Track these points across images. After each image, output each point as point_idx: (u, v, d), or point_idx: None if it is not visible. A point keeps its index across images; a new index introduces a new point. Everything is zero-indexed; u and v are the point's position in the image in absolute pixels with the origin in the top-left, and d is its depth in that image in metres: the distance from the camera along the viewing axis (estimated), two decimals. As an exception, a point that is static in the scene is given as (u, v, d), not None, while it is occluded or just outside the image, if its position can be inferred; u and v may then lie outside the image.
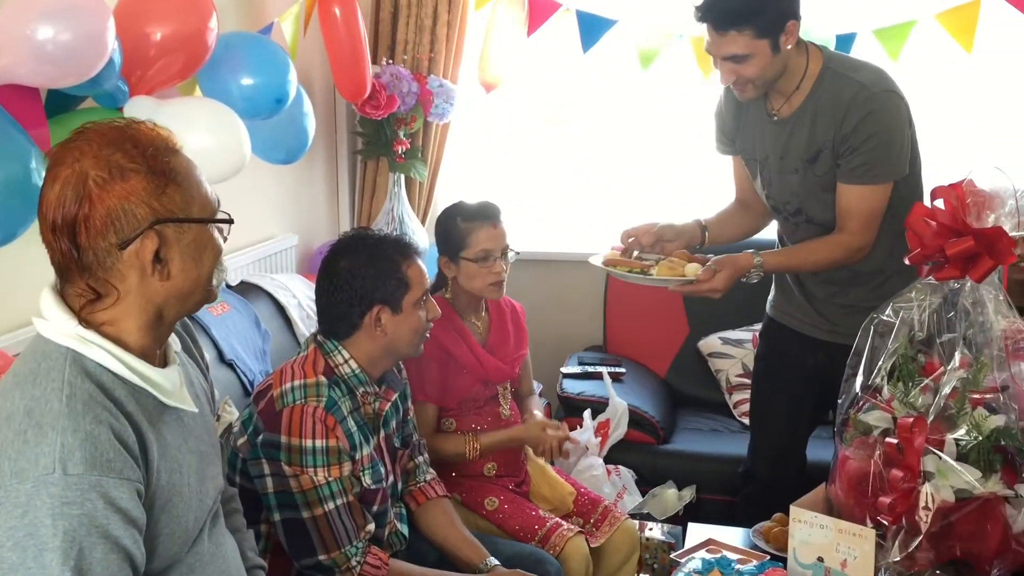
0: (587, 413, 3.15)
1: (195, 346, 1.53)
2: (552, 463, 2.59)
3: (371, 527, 1.96)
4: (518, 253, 2.53)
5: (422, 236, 3.69)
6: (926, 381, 1.88)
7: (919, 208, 1.92)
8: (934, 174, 2.36)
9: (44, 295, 1.27)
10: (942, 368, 1.87)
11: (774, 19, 2.19)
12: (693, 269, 2.24)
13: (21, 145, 1.75)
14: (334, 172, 4.02)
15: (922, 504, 1.78)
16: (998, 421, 1.83)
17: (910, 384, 1.91)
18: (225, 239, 1.35)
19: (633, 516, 2.64)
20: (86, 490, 1.13)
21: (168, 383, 1.29)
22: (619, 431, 3.14)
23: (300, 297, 2.96)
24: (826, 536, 1.87)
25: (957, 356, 1.85)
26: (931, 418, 1.82)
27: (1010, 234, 1.80)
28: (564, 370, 3.54)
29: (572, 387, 3.38)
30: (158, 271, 1.26)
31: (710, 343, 3.69)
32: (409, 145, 3.72)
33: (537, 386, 2.94)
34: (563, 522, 2.36)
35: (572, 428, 3.16)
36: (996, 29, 3.39)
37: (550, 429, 2.46)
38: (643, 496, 3.06)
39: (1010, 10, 3.21)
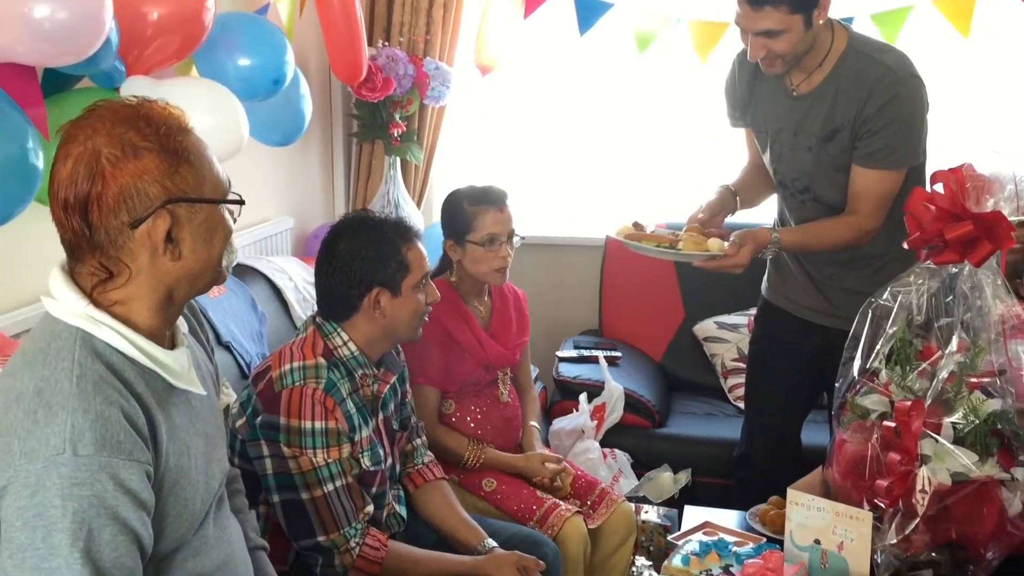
0: (583, 397, 3.16)
1: (201, 328, 1.52)
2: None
3: (370, 509, 1.96)
4: (523, 238, 2.53)
5: (417, 219, 3.68)
6: (923, 365, 1.89)
7: (918, 192, 1.92)
8: (931, 159, 2.36)
9: (54, 274, 1.26)
10: (940, 352, 1.88)
11: None
12: (717, 244, 2.23)
13: (18, 124, 1.73)
14: (329, 155, 4.00)
15: (919, 487, 1.79)
16: (995, 405, 1.84)
17: (907, 368, 1.92)
18: (235, 220, 1.35)
19: (629, 499, 2.65)
20: (96, 471, 1.13)
21: (177, 365, 1.29)
22: (615, 415, 3.15)
23: (296, 280, 2.96)
24: (823, 519, 1.88)
25: (955, 340, 1.85)
26: (928, 402, 1.83)
27: (1009, 218, 1.81)
28: (560, 354, 3.54)
29: (568, 371, 3.39)
30: (169, 251, 1.26)
31: (705, 327, 3.70)
32: (405, 128, 3.70)
33: (533, 370, 2.94)
34: (561, 503, 2.37)
35: (568, 412, 3.18)
36: (993, 14, 3.38)
37: (549, 463, 2.47)
38: (639, 479, 3.07)
39: (1007, -5, 3.21)
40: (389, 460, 2.07)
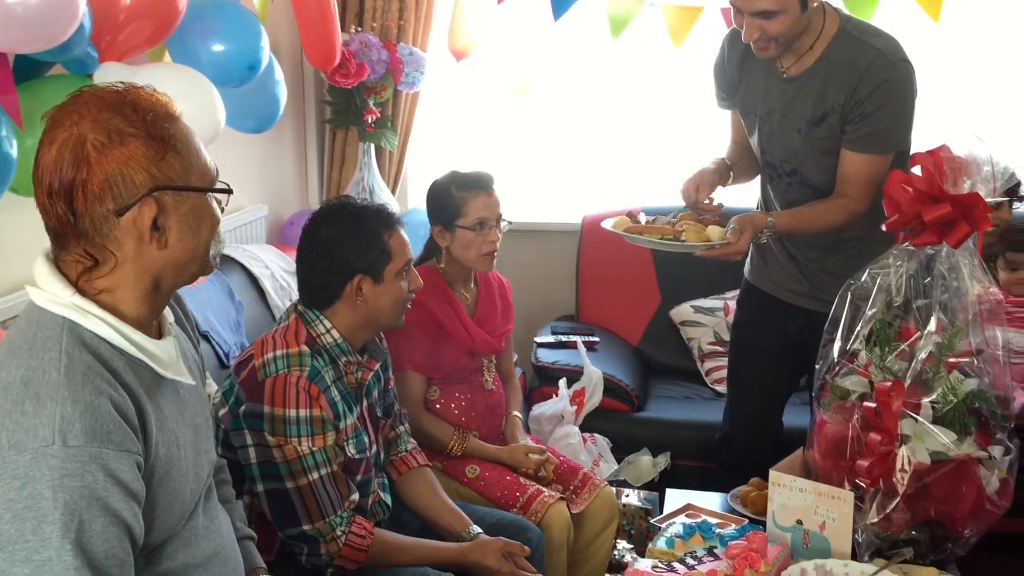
0: (563, 382, 3.16)
1: (187, 318, 1.50)
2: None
3: (355, 497, 1.96)
4: (510, 223, 2.52)
5: (393, 206, 3.66)
6: (902, 346, 1.91)
7: (897, 175, 1.94)
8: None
9: (38, 263, 1.24)
10: (918, 333, 1.90)
11: None
12: (718, 232, 2.23)
13: (-11, 112, 1.70)
14: (302, 142, 3.97)
15: (899, 467, 1.81)
16: (972, 384, 1.87)
17: (886, 349, 1.94)
18: (223, 210, 1.33)
19: (609, 483, 2.66)
20: (86, 462, 1.12)
21: (165, 355, 1.28)
22: (594, 399, 3.16)
23: (273, 268, 2.94)
24: (805, 499, 1.90)
25: (933, 321, 1.87)
26: (908, 382, 1.85)
27: (986, 200, 1.83)
28: (538, 340, 3.54)
29: (547, 356, 3.39)
30: (156, 239, 1.24)
31: (682, 312, 3.71)
32: (379, 114, 3.68)
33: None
34: (544, 489, 2.38)
35: (547, 397, 3.18)
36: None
37: (532, 455, 2.48)
38: (618, 463, 3.08)
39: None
40: (374, 448, 2.06)
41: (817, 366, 2.02)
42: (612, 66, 3.95)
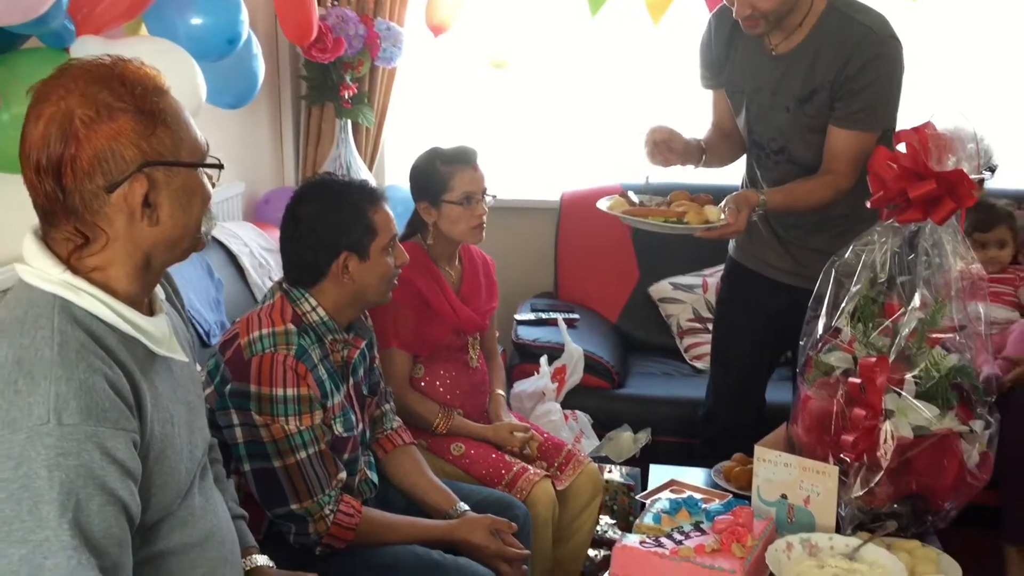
0: (544, 359, 3.16)
1: (176, 296, 1.48)
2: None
3: (343, 476, 1.95)
4: (495, 197, 2.51)
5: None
6: (886, 323, 1.92)
7: (882, 152, 1.95)
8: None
9: (27, 241, 1.22)
10: (902, 309, 1.91)
11: None
12: (715, 212, 2.23)
13: (-36, 87, 1.66)
14: (278, 118, 3.92)
15: (883, 441, 1.83)
16: (954, 360, 1.89)
17: (870, 325, 1.96)
18: (214, 185, 1.31)
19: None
20: (82, 440, 1.10)
21: (158, 332, 1.26)
22: (575, 376, 3.16)
23: (252, 246, 2.90)
24: (790, 474, 1.91)
25: (917, 297, 1.89)
26: (892, 358, 1.87)
27: (970, 176, 1.84)
28: (518, 317, 3.54)
29: (527, 334, 3.39)
30: (147, 216, 1.22)
31: (661, 288, 3.72)
32: (356, 90, 3.64)
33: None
34: (529, 467, 2.38)
35: (528, 375, 3.18)
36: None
37: (517, 432, 2.48)
38: (599, 440, 3.10)
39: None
40: (360, 426, 2.05)
41: (801, 342, 2.03)
42: (590, 42, 3.93)
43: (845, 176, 2.31)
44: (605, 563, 2.68)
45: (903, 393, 1.84)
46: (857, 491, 1.86)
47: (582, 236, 3.81)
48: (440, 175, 2.44)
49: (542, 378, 3.08)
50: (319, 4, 3.47)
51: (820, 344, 1.99)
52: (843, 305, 1.97)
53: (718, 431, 2.69)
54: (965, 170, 1.84)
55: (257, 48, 2.65)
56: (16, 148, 1.63)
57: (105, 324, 1.20)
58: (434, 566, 1.94)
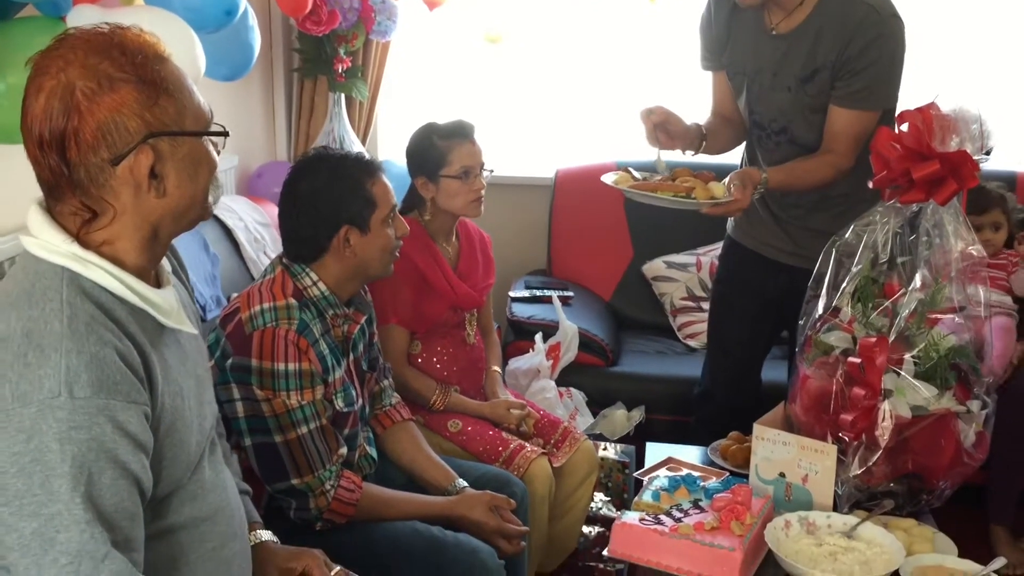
0: (539, 337, 3.16)
1: (181, 268, 1.47)
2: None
3: (343, 451, 1.94)
4: (492, 171, 2.50)
5: (364, 158, 3.60)
6: (886, 303, 1.93)
7: (885, 132, 1.94)
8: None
9: (33, 213, 1.20)
10: (903, 289, 1.92)
11: None
12: (720, 188, 2.22)
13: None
14: (270, 91, 3.88)
15: (881, 420, 1.84)
16: (953, 340, 1.90)
17: (870, 305, 1.96)
18: (219, 152, 1.29)
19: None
20: (94, 414, 1.09)
21: (167, 304, 1.25)
22: (570, 354, 3.16)
23: (247, 220, 2.88)
24: (788, 452, 1.92)
25: (918, 277, 1.90)
26: (892, 338, 1.87)
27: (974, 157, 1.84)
28: (512, 294, 3.53)
29: (521, 311, 3.39)
30: (154, 188, 1.20)
31: (654, 267, 3.72)
32: (350, 63, 3.61)
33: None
34: (526, 444, 2.38)
35: (523, 352, 3.18)
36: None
37: (514, 409, 2.48)
38: (594, 417, 3.10)
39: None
40: (360, 401, 2.05)
41: (801, 322, 2.03)
42: (587, 17, 3.90)
43: (845, 156, 2.30)
44: (599, 540, 2.69)
45: (902, 373, 1.85)
46: (855, 470, 1.87)
47: (576, 213, 3.80)
48: (438, 150, 2.43)
49: (537, 355, 3.08)
50: (313, -24, 3.44)
51: (819, 324, 1.99)
52: (843, 285, 1.97)
53: (714, 410, 2.70)
54: (968, 151, 1.85)
55: (253, 20, 2.61)
56: (12, 119, 1.61)
57: (114, 296, 1.19)
58: (434, 542, 1.94)
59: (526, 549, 2.13)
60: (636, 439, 2.95)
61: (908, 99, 2.10)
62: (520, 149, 4.07)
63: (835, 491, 1.90)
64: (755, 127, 2.46)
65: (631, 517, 1.80)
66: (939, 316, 1.91)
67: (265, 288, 1.92)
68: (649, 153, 2.42)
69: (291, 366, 1.83)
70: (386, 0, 3.54)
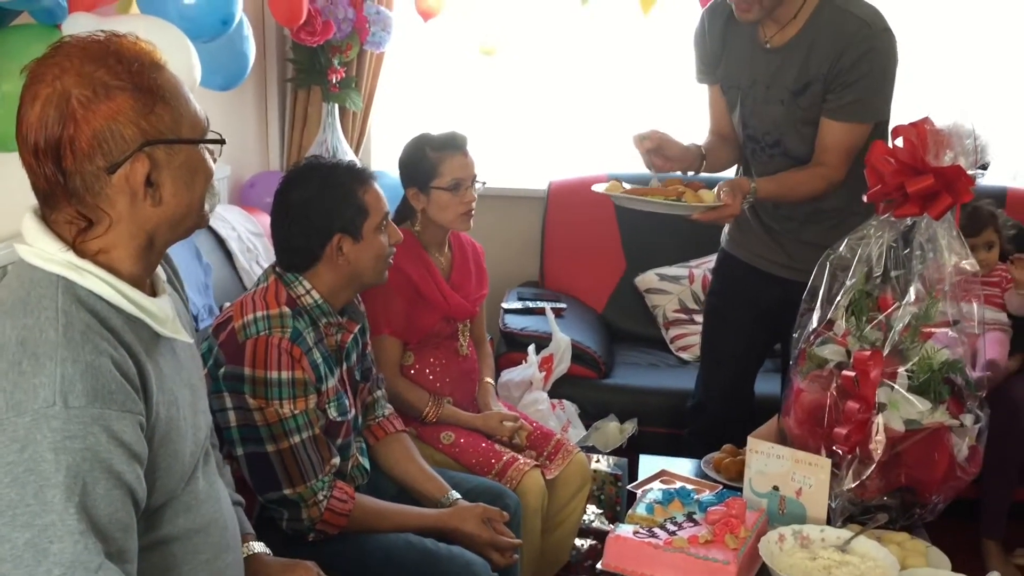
0: (531, 348, 3.16)
1: (176, 277, 1.46)
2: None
3: (336, 461, 1.94)
4: (484, 183, 2.50)
5: (356, 168, 3.60)
6: (880, 317, 1.93)
7: (879, 146, 1.95)
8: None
9: (27, 220, 1.19)
10: (896, 303, 1.92)
11: None
12: (710, 196, 2.22)
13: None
14: (263, 101, 3.88)
15: (875, 434, 1.84)
16: (947, 354, 1.91)
17: (863, 319, 1.97)
18: (215, 160, 1.28)
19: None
20: (88, 423, 1.08)
21: (162, 313, 1.24)
22: (562, 366, 3.16)
23: (240, 230, 2.87)
24: (782, 466, 1.92)
25: (912, 291, 1.90)
26: (886, 351, 1.88)
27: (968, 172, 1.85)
28: (505, 305, 3.53)
29: (514, 322, 3.38)
30: (150, 196, 1.20)
31: (647, 279, 3.73)
32: (344, 74, 3.61)
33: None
34: (519, 456, 2.38)
35: (515, 363, 3.18)
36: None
37: (507, 422, 2.47)
38: (586, 430, 3.10)
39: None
40: (352, 411, 2.04)
41: (795, 335, 2.03)
42: (581, 31, 3.91)
43: (836, 168, 2.32)
44: (592, 552, 2.69)
45: (896, 386, 1.85)
46: (849, 483, 1.87)
47: (569, 225, 3.80)
48: (429, 161, 2.43)
49: (530, 367, 3.08)
50: (308, -14, 3.44)
51: (813, 337, 1.99)
52: (837, 298, 1.98)
53: (707, 422, 2.70)
54: (962, 166, 1.86)
55: (248, 29, 2.61)
56: (6, 126, 1.60)
57: (109, 305, 1.18)
58: (427, 554, 1.93)
59: (519, 562, 2.12)
60: (629, 452, 2.94)
61: (902, 113, 2.11)
62: (514, 160, 4.08)
63: (829, 504, 1.89)
64: (749, 140, 2.47)
65: (625, 530, 1.80)
66: (933, 330, 1.91)
67: (259, 297, 1.91)
68: (643, 166, 2.42)
69: (284, 374, 1.83)
70: (381, 11, 3.55)
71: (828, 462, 1.87)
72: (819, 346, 1.99)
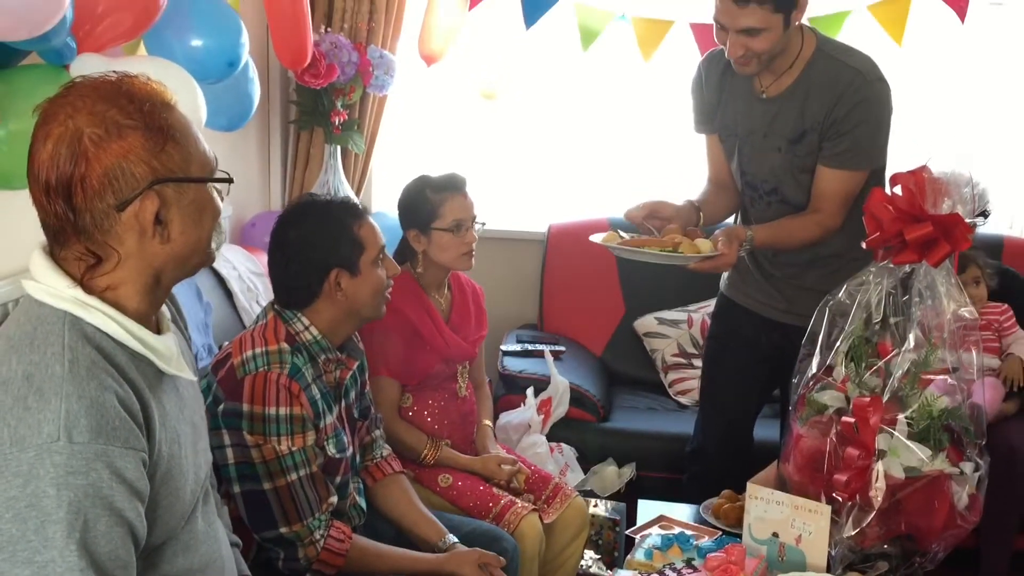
0: (530, 391, 3.15)
1: (180, 316, 1.47)
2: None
3: (333, 500, 1.93)
4: (484, 224, 2.51)
5: (357, 209, 3.62)
6: (879, 363, 1.94)
7: (878, 193, 1.97)
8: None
9: (35, 257, 1.21)
10: (895, 350, 1.93)
11: None
12: (707, 245, 2.24)
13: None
14: (266, 142, 3.91)
15: (875, 481, 1.83)
16: (946, 401, 1.91)
17: (863, 365, 1.97)
18: (223, 199, 1.30)
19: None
20: (91, 459, 1.08)
21: (167, 350, 1.25)
22: (561, 409, 3.15)
23: (240, 269, 2.88)
24: (782, 512, 1.91)
25: (911, 338, 1.91)
26: (885, 398, 1.88)
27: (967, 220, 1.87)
28: (504, 348, 3.53)
29: (513, 365, 3.38)
30: (158, 233, 1.21)
31: (646, 323, 3.73)
32: (347, 116, 3.64)
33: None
34: (517, 500, 2.36)
35: (513, 406, 3.17)
36: (926, 23, 3.50)
37: (505, 465, 2.47)
38: (585, 473, 3.08)
39: (940, 5, 3.31)
40: (350, 449, 2.04)
41: (794, 380, 2.04)
42: (581, 76, 3.96)
43: (832, 215, 2.34)
44: (589, 598, 2.66)
45: (895, 433, 1.85)
46: (849, 531, 1.86)
47: (568, 268, 3.81)
48: (430, 203, 2.44)
49: (528, 410, 3.07)
50: (312, 30, 3.48)
51: (813, 383, 1.99)
52: (837, 344, 1.98)
53: (706, 467, 2.69)
54: (960, 213, 1.87)
55: (253, 72, 2.64)
56: (13, 165, 1.62)
57: (115, 341, 1.19)
58: (424, 599, 1.92)
59: (516, 607, 2.10)
60: (627, 496, 2.93)
61: (901, 161, 2.14)
62: (514, 204, 4.10)
63: (829, 552, 1.88)
64: (747, 188, 2.49)
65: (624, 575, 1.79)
66: (932, 377, 1.91)
67: (257, 333, 1.92)
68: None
69: (282, 411, 1.83)
70: (384, 55, 3.58)
71: (828, 509, 1.87)
72: (818, 392, 1.99)
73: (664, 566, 1.84)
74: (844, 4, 3.43)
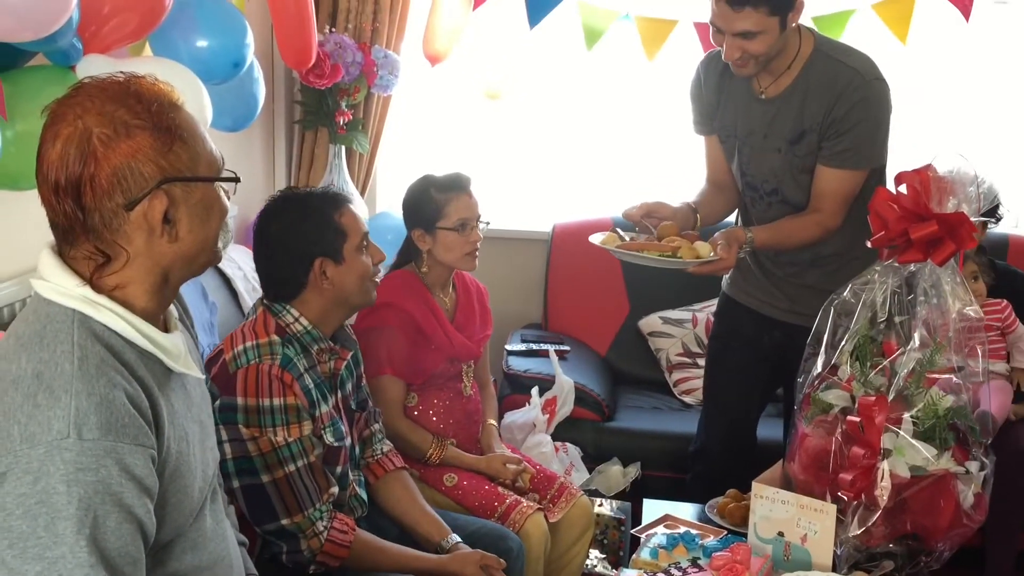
0: (535, 390, 3.15)
1: (187, 315, 1.48)
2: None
3: (334, 490, 1.94)
4: (488, 223, 2.51)
5: (362, 209, 3.62)
6: (884, 362, 1.94)
7: (883, 192, 1.97)
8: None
9: (44, 256, 1.22)
10: (900, 349, 1.93)
11: None
12: (706, 248, 2.24)
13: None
14: (271, 142, 3.91)
15: (880, 480, 1.83)
16: (952, 400, 1.90)
17: (868, 364, 1.97)
18: (230, 198, 1.31)
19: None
20: (101, 456, 1.09)
21: (175, 348, 1.26)
22: (566, 408, 3.15)
23: (246, 269, 2.89)
24: (787, 511, 1.91)
25: (917, 337, 1.90)
26: (891, 397, 1.88)
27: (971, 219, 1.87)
28: (509, 347, 3.53)
29: (518, 364, 3.38)
30: (166, 232, 1.22)
31: (650, 322, 3.73)
32: (351, 116, 3.65)
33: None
34: (522, 499, 2.37)
35: (518, 405, 3.17)
36: (931, 21, 3.49)
37: (510, 464, 2.47)
38: (590, 473, 3.09)
39: (945, 4, 3.30)
40: (348, 439, 2.04)
41: (799, 379, 2.03)
42: (585, 75, 3.96)
43: (832, 215, 2.34)
44: (594, 597, 2.66)
45: (901, 432, 1.85)
46: (855, 530, 1.86)
47: (573, 268, 3.81)
48: (435, 202, 2.45)
49: (533, 409, 3.07)
50: (316, 30, 3.49)
51: (818, 382, 1.99)
52: (842, 343, 1.98)
53: (710, 467, 2.69)
54: (966, 212, 1.87)
55: (258, 72, 2.65)
56: (20, 165, 1.63)
57: (124, 339, 1.20)
58: (427, 598, 1.92)
59: (519, 606, 2.11)
60: (632, 495, 2.93)
61: (905, 160, 2.13)
62: (518, 204, 4.11)
63: (834, 551, 1.88)
64: (748, 188, 2.49)
65: (629, 575, 1.79)
66: (937, 376, 1.91)
67: (247, 328, 1.94)
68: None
69: (276, 401, 1.84)
70: (388, 55, 3.59)
71: (833, 508, 1.86)
72: (823, 391, 1.99)
73: (669, 565, 1.84)
74: (848, 3, 3.42)
